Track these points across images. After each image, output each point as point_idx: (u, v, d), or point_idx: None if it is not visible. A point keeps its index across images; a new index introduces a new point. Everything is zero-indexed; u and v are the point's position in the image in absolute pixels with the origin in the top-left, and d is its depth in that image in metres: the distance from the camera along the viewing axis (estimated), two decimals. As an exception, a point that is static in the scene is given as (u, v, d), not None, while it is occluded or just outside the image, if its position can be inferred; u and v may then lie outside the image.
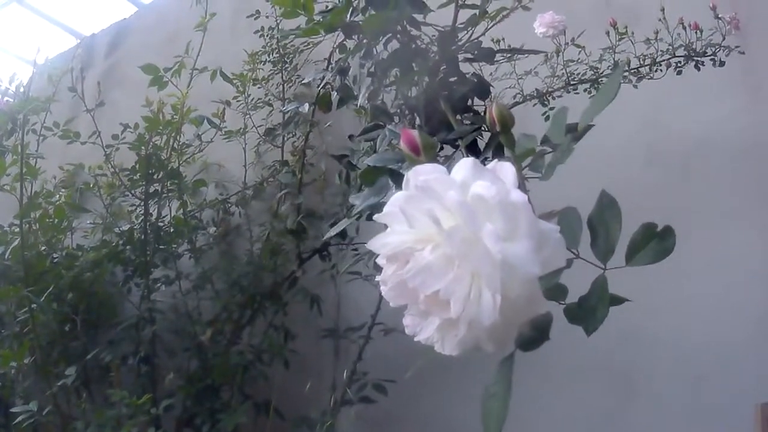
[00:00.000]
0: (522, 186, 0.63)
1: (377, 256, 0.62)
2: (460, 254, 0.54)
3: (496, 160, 0.61)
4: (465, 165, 0.58)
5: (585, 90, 2.00)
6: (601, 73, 1.98)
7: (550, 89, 2.04)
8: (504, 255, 0.52)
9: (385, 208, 0.61)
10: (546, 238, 0.56)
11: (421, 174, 0.58)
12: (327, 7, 1.42)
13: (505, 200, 0.54)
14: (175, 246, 2.84)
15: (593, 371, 2.22)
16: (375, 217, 0.61)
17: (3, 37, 4.68)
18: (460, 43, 1.31)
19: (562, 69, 2.01)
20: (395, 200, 0.59)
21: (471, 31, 1.31)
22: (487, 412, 0.64)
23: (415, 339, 0.61)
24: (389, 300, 0.62)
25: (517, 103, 2.04)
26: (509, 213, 0.54)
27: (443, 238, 0.54)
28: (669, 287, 2.07)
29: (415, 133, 0.71)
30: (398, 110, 1.37)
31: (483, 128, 1.15)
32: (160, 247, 2.79)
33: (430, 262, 0.56)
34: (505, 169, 0.59)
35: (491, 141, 1.05)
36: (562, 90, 2.02)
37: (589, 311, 0.70)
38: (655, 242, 0.71)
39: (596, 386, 2.23)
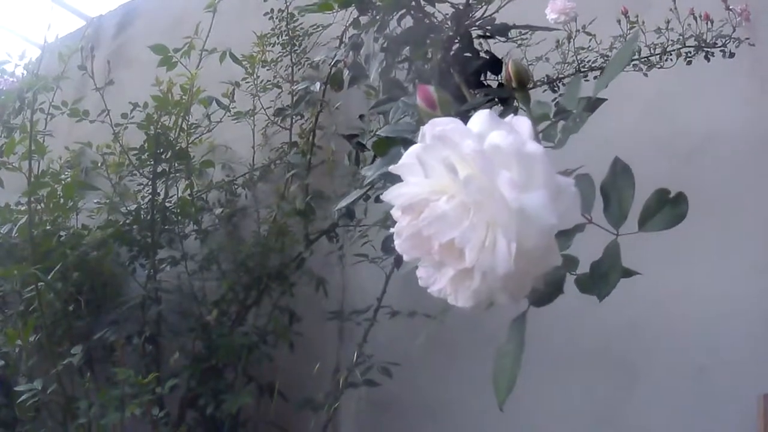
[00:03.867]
0: (537, 140, 0.63)
1: (385, 237, 0.62)
2: (476, 203, 0.54)
3: (511, 115, 0.61)
4: (481, 116, 0.58)
5: (595, 77, 2.00)
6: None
7: (560, 76, 2.04)
8: (520, 203, 0.52)
9: (402, 160, 0.61)
10: (562, 191, 0.56)
11: (438, 125, 0.58)
12: (342, -18, 1.42)
13: (521, 150, 0.55)
14: (181, 226, 2.85)
15: (595, 360, 2.22)
16: (391, 168, 0.61)
17: (9, 18, 4.68)
18: (473, 20, 1.31)
19: (572, 56, 2.01)
20: (412, 151, 0.60)
21: (485, 9, 1.31)
22: (498, 369, 0.65)
23: (429, 290, 0.61)
24: (403, 252, 0.62)
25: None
26: (526, 162, 0.54)
27: (459, 187, 0.55)
28: (672, 277, 2.07)
29: (431, 88, 0.71)
30: (412, 84, 1.38)
31: (497, 100, 1.15)
32: (166, 227, 2.80)
33: (445, 211, 0.56)
34: (521, 123, 0.59)
35: (505, 111, 1.05)
36: (572, 77, 2.02)
37: (601, 277, 0.70)
38: (668, 208, 0.72)
39: (598, 375, 2.23)
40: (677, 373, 2.13)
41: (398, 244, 0.61)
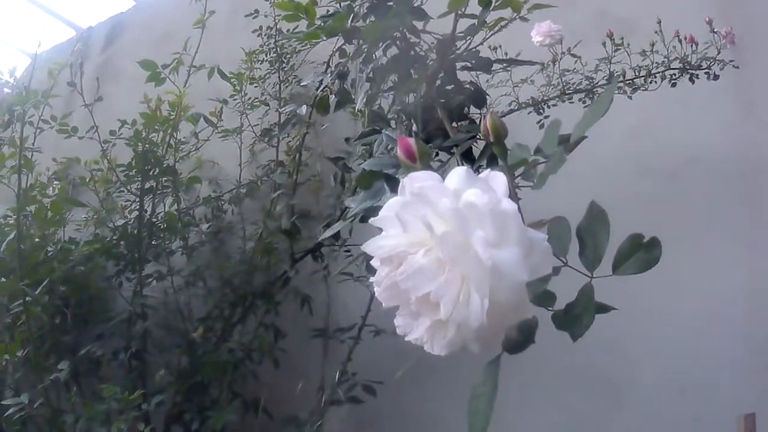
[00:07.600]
0: (513, 195, 0.65)
1: (370, 258, 0.64)
2: (451, 259, 0.56)
3: (489, 169, 0.63)
4: (458, 174, 0.60)
5: (580, 99, 2.01)
6: (596, 83, 2.00)
7: (545, 98, 2.05)
8: (493, 261, 0.54)
9: (381, 213, 0.63)
10: (534, 246, 0.58)
11: (417, 181, 0.60)
12: (328, 11, 1.44)
13: (495, 208, 0.56)
14: (168, 242, 2.86)
15: (578, 378, 2.23)
16: (371, 221, 0.63)
17: (1, 28, 4.67)
18: (458, 52, 1.33)
19: (557, 78, 2.03)
20: (391, 205, 0.62)
21: (469, 40, 1.32)
22: (473, 411, 0.66)
23: (406, 339, 0.63)
24: (382, 301, 0.63)
25: (512, 111, 2.05)
26: (499, 220, 0.56)
27: (436, 243, 0.56)
28: (655, 298, 2.08)
29: (411, 140, 0.73)
30: (395, 116, 1.39)
31: (478, 136, 1.16)
32: (153, 242, 2.81)
33: (422, 265, 0.58)
34: (497, 179, 0.61)
35: (486, 149, 1.06)
36: (557, 99, 2.04)
37: (575, 318, 0.71)
38: (641, 253, 0.73)
39: (581, 393, 2.24)
40: (660, 392, 2.14)
41: (378, 293, 0.63)
